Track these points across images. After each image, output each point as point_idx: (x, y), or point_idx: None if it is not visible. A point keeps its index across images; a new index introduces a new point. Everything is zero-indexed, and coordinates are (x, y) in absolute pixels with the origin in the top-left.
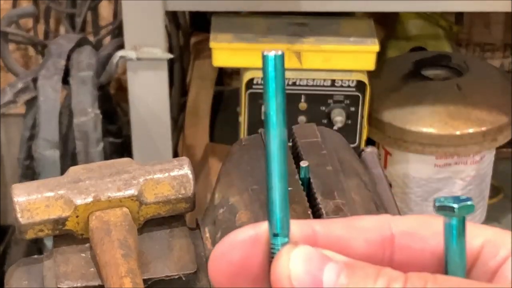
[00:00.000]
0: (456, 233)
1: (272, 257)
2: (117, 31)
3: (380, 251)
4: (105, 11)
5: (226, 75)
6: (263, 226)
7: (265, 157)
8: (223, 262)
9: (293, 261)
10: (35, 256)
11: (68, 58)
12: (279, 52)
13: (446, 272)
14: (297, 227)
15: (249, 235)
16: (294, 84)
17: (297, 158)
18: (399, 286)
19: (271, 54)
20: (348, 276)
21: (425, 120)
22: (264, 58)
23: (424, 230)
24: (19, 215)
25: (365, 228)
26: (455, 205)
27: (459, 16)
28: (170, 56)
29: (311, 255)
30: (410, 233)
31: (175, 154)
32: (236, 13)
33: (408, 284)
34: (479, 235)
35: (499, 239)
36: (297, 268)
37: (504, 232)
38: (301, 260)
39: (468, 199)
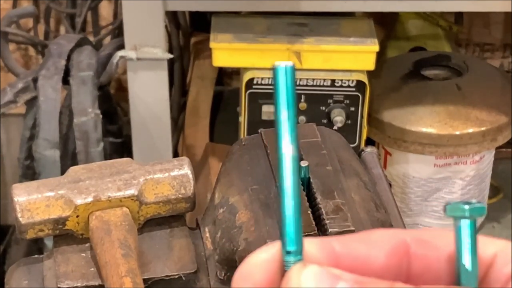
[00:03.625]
0: (467, 235)
1: None
2: (117, 31)
3: (398, 262)
4: (105, 11)
5: (226, 75)
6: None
7: (277, 173)
8: (248, 283)
9: (304, 280)
10: (35, 256)
11: (68, 58)
12: (290, 64)
13: (458, 276)
14: (316, 245)
15: (268, 255)
16: None
17: None
18: None
19: (282, 65)
20: None
21: (425, 120)
22: (275, 70)
23: (438, 240)
24: (19, 215)
25: (381, 241)
26: (466, 206)
27: (458, 16)
28: (170, 56)
29: (322, 274)
30: (424, 242)
31: (175, 154)
32: (236, 13)
33: None
34: (492, 245)
35: None
36: (309, 286)
37: None
38: (312, 279)
39: (479, 202)
